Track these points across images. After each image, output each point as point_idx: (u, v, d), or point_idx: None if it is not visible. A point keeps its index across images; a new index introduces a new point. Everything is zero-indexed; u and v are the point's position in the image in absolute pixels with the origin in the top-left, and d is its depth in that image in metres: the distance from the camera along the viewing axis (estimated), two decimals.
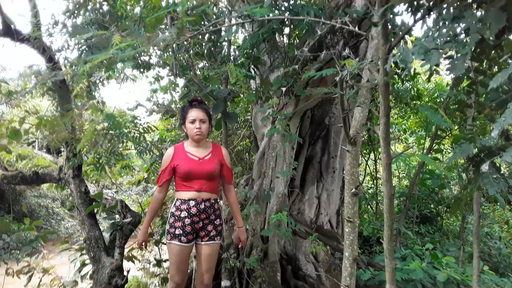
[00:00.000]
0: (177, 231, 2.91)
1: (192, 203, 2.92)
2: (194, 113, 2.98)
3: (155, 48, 3.80)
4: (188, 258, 3.06)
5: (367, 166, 8.65)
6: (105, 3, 4.28)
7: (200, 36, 4.53)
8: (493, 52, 1.80)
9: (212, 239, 3.01)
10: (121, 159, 4.85)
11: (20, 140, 3.67)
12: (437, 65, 1.63)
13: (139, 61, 5.21)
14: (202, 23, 3.27)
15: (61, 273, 5.15)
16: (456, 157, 2.46)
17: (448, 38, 1.63)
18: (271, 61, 5.44)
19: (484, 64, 1.94)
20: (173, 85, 5.34)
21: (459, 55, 1.62)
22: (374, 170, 8.07)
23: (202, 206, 2.94)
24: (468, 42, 1.60)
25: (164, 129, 7.55)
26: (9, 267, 4.47)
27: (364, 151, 8.11)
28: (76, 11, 4.14)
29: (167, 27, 3.02)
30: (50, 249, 6.35)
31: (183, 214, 2.91)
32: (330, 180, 5.81)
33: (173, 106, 5.88)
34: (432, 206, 8.00)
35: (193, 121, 2.97)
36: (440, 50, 1.63)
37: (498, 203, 6.50)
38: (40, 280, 4.89)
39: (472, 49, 1.61)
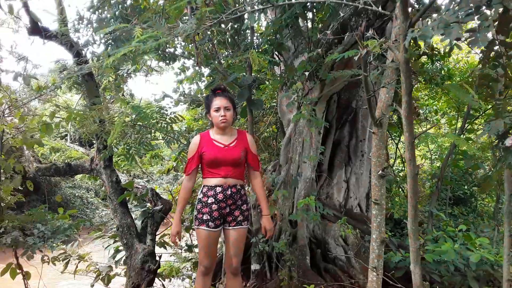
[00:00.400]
0: (205, 217, 2.96)
1: (218, 189, 2.96)
2: (218, 101, 3.00)
3: (180, 39, 3.85)
4: (216, 242, 3.11)
5: (397, 149, 8.51)
6: None
7: (222, 25, 4.55)
8: None
9: (239, 224, 3.05)
10: (150, 149, 4.96)
11: (51, 133, 3.80)
12: (458, 39, 1.59)
13: (165, 53, 5.29)
14: (223, 11, 3.27)
15: (96, 260, 5.34)
16: (485, 134, 2.39)
17: (470, 11, 1.58)
18: (295, 47, 5.40)
19: (510, 37, 1.87)
20: (198, 75, 5.40)
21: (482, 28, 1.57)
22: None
23: (229, 192, 2.97)
24: (490, 14, 1.55)
25: (191, 118, 7.63)
26: (45, 254, 4.62)
27: (394, 134, 7.97)
28: (100, 6, 4.22)
29: (188, 17, 3.05)
30: (85, 237, 6.59)
31: (210, 200, 2.96)
32: (358, 164, 5.76)
33: (199, 95, 5.95)
34: (465, 187, 7.81)
35: (217, 109, 2.99)
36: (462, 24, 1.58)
37: None
38: (76, 266, 5.07)
39: (495, 22, 1.56)
